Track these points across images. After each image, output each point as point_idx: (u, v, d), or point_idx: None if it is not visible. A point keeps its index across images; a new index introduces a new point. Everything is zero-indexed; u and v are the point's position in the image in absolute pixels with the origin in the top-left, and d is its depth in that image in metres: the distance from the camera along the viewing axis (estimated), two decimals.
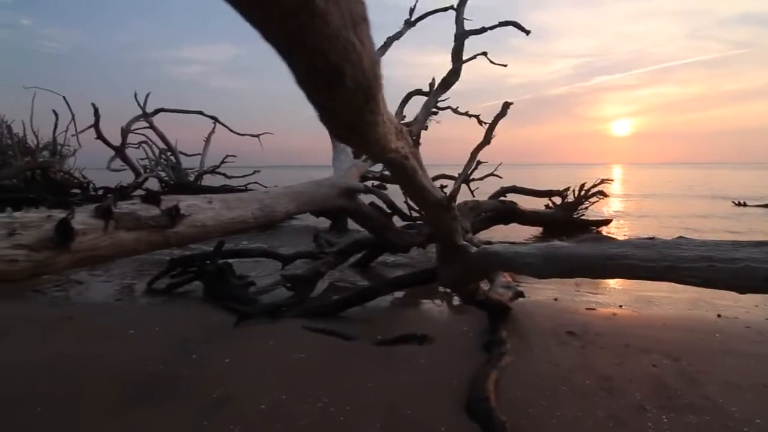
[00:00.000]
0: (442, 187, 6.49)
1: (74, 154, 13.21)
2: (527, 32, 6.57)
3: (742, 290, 1.45)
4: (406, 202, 6.49)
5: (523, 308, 3.55)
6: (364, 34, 0.64)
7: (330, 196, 4.18)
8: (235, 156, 12.62)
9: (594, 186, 8.54)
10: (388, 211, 5.80)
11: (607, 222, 9.10)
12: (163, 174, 11.96)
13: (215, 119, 14.04)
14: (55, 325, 3.49)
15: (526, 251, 2.20)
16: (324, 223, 8.57)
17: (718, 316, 3.68)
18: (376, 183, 8.58)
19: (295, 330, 3.24)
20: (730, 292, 1.52)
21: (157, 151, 12.26)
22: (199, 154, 13.58)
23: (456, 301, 4.14)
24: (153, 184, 12.10)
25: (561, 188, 8.65)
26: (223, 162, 12.60)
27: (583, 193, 8.46)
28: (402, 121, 6.83)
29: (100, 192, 11.78)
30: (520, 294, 3.58)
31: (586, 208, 8.70)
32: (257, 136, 14.61)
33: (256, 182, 11.93)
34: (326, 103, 0.78)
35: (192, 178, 12.14)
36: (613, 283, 4.84)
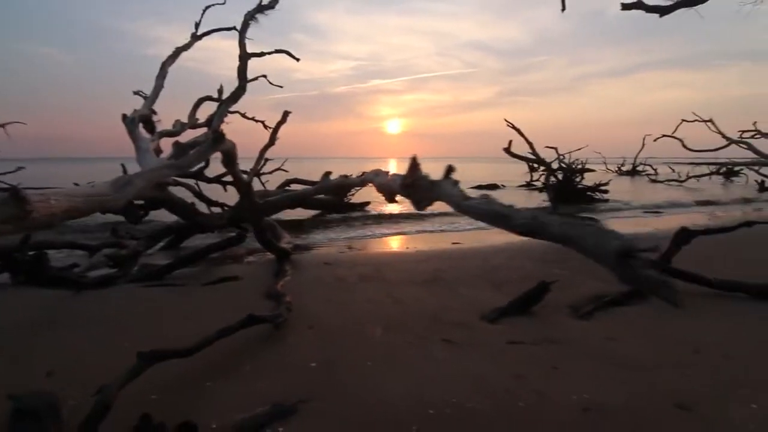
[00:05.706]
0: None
1: None
2: (297, 59, 8.62)
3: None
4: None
5: (301, 256, 5.55)
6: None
7: (146, 188, 5.17)
8: None
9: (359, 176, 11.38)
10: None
11: (366, 203, 12.11)
12: None
13: None
14: None
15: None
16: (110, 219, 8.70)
17: (407, 248, 6.51)
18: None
19: (133, 290, 4.32)
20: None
21: None
22: None
23: (252, 258, 5.79)
24: None
25: None
26: None
27: None
28: (197, 123, 7.93)
29: None
30: (298, 247, 5.55)
31: (353, 194, 11.48)
32: (3, 126, 12.55)
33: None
34: None
35: None
36: (362, 243, 7.42)
